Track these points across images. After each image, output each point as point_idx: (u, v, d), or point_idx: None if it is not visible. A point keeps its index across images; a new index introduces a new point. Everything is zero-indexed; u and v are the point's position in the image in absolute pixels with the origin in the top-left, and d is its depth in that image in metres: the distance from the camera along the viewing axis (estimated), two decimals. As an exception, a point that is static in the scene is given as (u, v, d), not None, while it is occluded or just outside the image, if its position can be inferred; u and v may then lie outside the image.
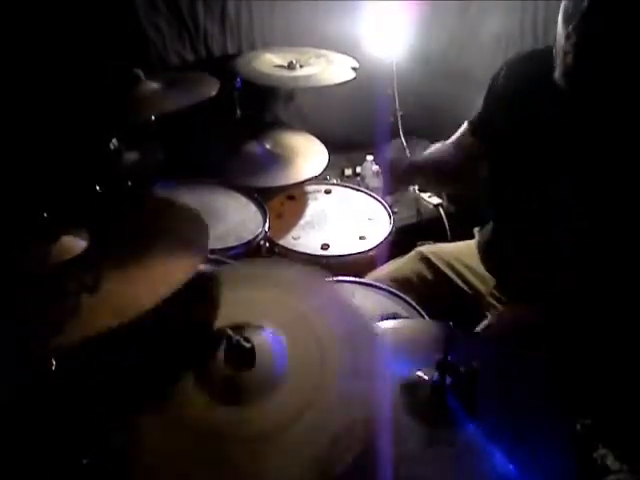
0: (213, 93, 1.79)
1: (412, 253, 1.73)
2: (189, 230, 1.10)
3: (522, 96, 1.38)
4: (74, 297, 0.90)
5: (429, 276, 1.65)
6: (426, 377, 0.96)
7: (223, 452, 0.81)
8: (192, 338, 0.98)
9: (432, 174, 1.67)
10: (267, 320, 0.99)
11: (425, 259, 1.67)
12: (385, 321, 1.24)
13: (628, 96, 1.20)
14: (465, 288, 1.60)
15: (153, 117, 1.90)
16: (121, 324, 0.86)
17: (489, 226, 1.61)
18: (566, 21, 1.17)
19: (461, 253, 1.66)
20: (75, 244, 1.02)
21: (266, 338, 0.95)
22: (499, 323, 1.42)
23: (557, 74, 1.24)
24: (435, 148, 1.68)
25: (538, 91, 1.32)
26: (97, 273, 0.94)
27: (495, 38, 2.27)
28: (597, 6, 1.12)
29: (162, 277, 0.96)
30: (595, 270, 1.30)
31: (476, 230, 1.69)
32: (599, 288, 1.30)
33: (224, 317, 0.99)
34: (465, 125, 1.58)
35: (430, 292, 1.61)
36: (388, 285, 1.58)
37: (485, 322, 1.43)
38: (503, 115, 1.44)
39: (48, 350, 0.90)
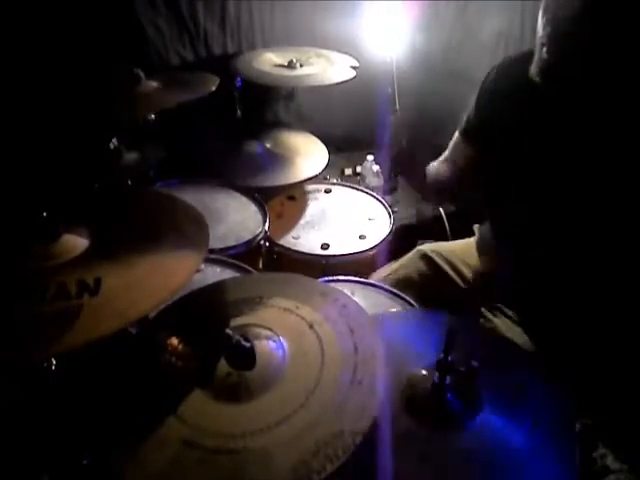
0: (213, 88, 1.78)
1: (413, 252, 1.73)
2: (190, 230, 1.10)
3: (509, 98, 1.38)
4: (75, 298, 0.89)
5: (430, 274, 1.65)
6: (426, 377, 0.97)
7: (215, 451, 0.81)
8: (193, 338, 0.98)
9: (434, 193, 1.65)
10: (273, 324, 0.99)
11: (426, 257, 1.68)
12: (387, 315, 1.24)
13: (603, 96, 1.19)
14: (463, 286, 1.60)
15: (153, 116, 1.90)
16: (122, 327, 0.86)
17: (486, 224, 1.61)
18: (544, 11, 1.17)
19: (461, 251, 1.66)
20: (76, 244, 1.02)
21: (268, 340, 0.96)
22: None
23: (532, 69, 1.23)
24: (433, 168, 1.68)
25: (524, 93, 1.32)
26: (98, 274, 0.94)
27: (495, 38, 2.27)
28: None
29: (163, 279, 0.96)
30: (588, 273, 1.31)
31: (476, 227, 1.69)
32: (594, 289, 1.30)
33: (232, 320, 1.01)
34: (456, 135, 1.58)
35: (431, 290, 1.61)
36: (390, 284, 1.58)
37: None
38: (491, 118, 1.44)
39: (49, 352, 0.90)
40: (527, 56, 1.31)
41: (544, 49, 1.17)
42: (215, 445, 0.81)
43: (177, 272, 0.97)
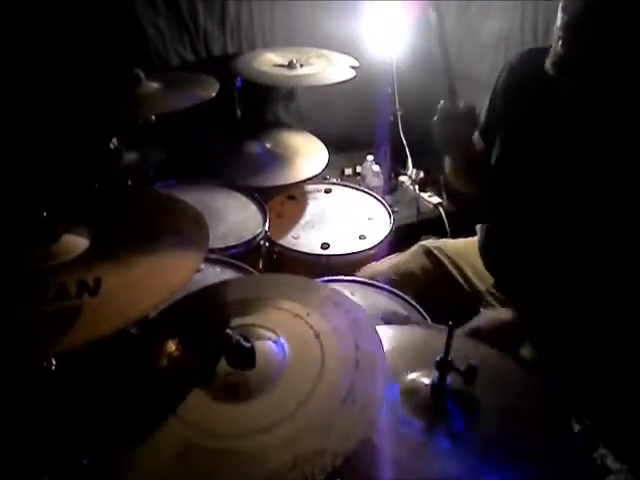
0: (213, 94, 1.79)
1: (415, 246, 1.73)
2: (190, 229, 1.10)
3: (521, 94, 1.38)
4: (76, 298, 0.89)
5: (431, 270, 1.65)
6: (426, 379, 0.97)
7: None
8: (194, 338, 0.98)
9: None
10: (280, 328, 0.98)
11: (428, 252, 1.67)
12: (386, 327, 1.23)
13: (618, 90, 1.18)
14: (464, 285, 1.60)
15: (154, 117, 1.90)
16: (123, 327, 0.86)
17: (488, 224, 1.61)
18: (562, 4, 1.17)
19: (464, 250, 1.66)
20: (76, 244, 1.02)
21: (270, 342, 0.95)
22: (485, 325, 1.42)
23: (547, 62, 1.23)
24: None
25: (537, 89, 1.31)
26: (98, 274, 0.94)
27: (495, 38, 2.26)
28: None
29: (163, 278, 0.96)
30: (589, 273, 1.30)
31: (478, 227, 1.69)
32: (594, 290, 1.29)
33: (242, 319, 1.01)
34: (476, 135, 1.57)
35: (431, 286, 1.61)
36: (392, 278, 1.58)
37: (472, 322, 1.43)
38: (503, 114, 1.44)
39: (49, 352, 0.90)
40: (538, 52, 1.31)
41: (560, 42, 1.17)
42: (202, 443, 0.81)
43: (177, 272, 0.97)
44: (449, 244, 1.72)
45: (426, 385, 0.96)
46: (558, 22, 1.18)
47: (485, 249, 1.59)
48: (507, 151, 1.43)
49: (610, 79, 1.16)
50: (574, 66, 1.18)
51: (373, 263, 1.74)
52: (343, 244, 1.80)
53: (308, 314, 1.00)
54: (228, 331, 0.91)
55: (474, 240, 1.68)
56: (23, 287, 0.94)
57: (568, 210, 1.30)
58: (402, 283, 1.55)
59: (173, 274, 0.97)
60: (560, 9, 1.17)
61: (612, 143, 1.20)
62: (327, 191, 2.10)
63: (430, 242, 1.73)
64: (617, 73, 1.15)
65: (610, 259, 1.26)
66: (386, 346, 0.93)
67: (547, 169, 1.31)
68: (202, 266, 1.56)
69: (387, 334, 1.10)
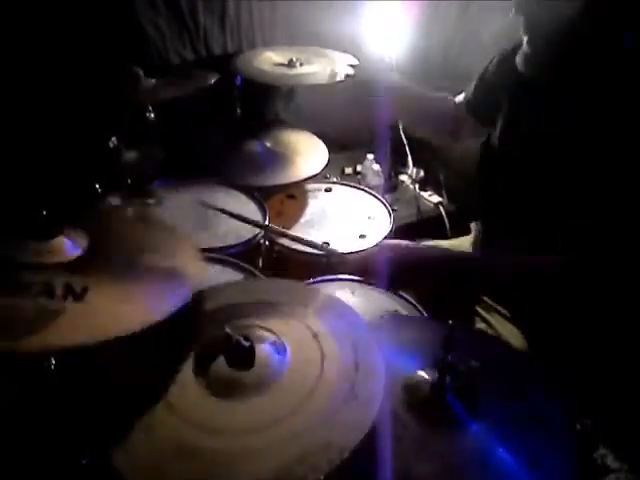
0: (212, 81, 1.78)
1: None
2: (185, 270, 1.07)
3: (507, 85, 1.39)
4: (60, 299, 0.89)
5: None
6: (426, 377, 0.97)
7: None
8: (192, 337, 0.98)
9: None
10: (278, 328, 0.99)
11: None
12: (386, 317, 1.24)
13: (583, 84, 1.19)
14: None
15: (153, 115, 1.90)
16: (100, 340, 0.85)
17: (483, 221, 1.62)
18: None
19: (458, 249, 1.66)
20: (70, 248, 1.02)
21: (270, 343, 0.96)
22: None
23: (517, 58, 1.25)
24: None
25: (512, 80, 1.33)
26: (86, 283, 0.94)
27: (495, 38, 2.26)
28: None
29: (149, 303, 0.95)
30: (585, 271, 1.30)
31: (473, 225, 1.69)
32: (593, 289, 1.29)
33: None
34: (461, 99, 1.64)
35: (428, 289, 1.61)
36: None
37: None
38: (490, 102, 1.45)
39: (19, 347, 0.89)
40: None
41: (525, 39, 1.23)
42: (205, 441, 0.82)
43: (164, 302, 0.95)
44: (444, 245, 1.72)
45: (426, 381, 0.96)
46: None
47: (482, 246, 1.59)
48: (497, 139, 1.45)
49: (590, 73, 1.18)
50: (545, 63, 1.20)
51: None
52: (343, 243, 1.79)
53: (305, 316, 1.01)
54: (228, 331, 0.91)
55: (469, 239, 1.68)
56: (10, 278, 0.93)
57: (553, 202, 1.30)
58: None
59: (159, 303, 0.95)
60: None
61: (590, 135, 1.21)
62: (327, 190, 2.10)
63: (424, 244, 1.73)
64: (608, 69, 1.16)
65: (596, 249, 1.26)
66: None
67: (528, 161, 1.32)
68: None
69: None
